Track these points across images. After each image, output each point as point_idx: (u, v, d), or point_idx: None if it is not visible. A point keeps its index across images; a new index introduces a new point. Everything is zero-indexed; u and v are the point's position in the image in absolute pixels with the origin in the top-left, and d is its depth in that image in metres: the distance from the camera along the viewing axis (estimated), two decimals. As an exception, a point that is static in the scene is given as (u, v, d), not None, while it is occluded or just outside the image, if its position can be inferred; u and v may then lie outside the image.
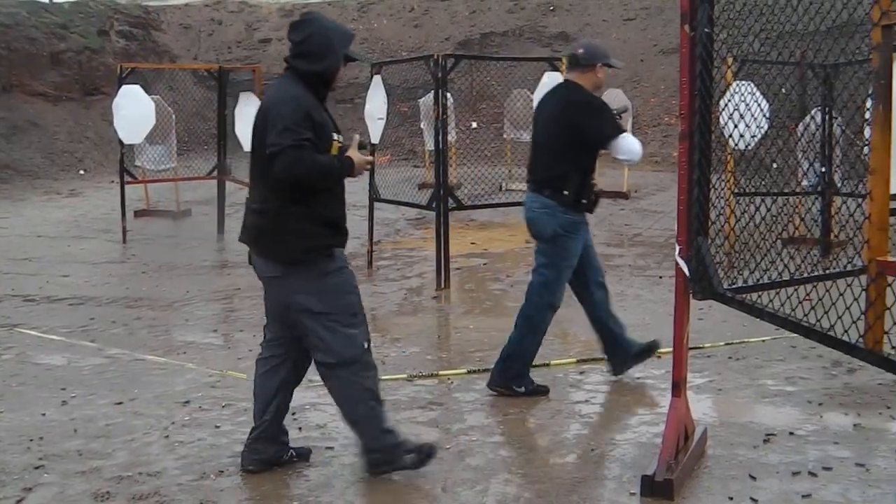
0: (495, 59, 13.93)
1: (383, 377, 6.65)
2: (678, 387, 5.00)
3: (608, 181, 16.96)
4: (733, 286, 4.84)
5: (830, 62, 10.43)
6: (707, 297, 4.84)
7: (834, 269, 5.48)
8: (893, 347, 3.74)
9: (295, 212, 4.70)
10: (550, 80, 9.99)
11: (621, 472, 5.03)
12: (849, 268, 4.74)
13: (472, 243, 12.85)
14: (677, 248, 4.87)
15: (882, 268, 3.59)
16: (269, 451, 5.10)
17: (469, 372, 6.83)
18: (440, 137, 9.76)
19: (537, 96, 10.11)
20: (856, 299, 3.92)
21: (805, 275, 5.05)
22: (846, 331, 3.87)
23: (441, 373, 6.85)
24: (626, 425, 5.80)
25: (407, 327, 8.37)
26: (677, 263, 4.88)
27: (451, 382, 6.66)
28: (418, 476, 4.96)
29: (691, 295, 4.89)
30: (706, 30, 4.61)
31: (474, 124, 18.86)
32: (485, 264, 11.46)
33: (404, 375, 6.74)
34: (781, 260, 4.84)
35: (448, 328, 8.59)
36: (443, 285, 9.89)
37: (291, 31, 4.82)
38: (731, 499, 4.68)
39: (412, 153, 20.05)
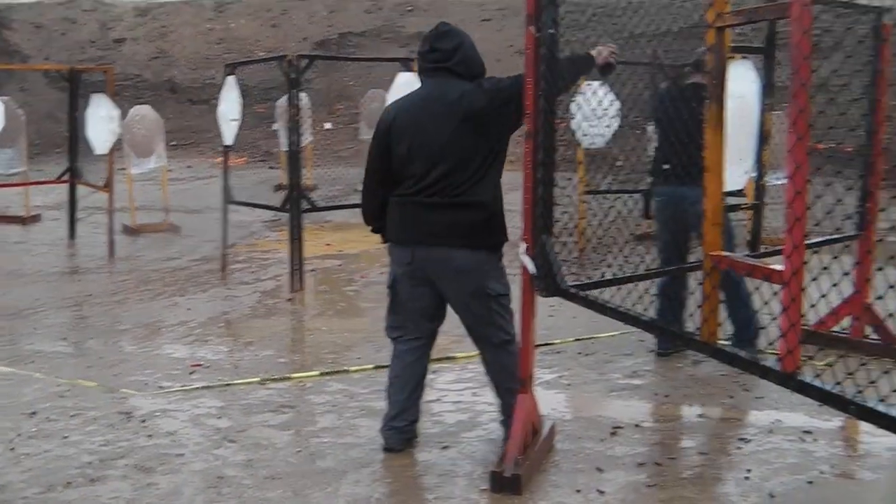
0: (348, 60, 13.90)
1: (235, 381, 6.63)
2: (525, 383, 5.07)
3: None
4: (578, 283, 4.94)
5: (679, 62, 10.66)
6: (551, 294, 4.93)
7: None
8: (727, 338, 3.87)
9: (498, 201, 5.10)
10: (404, 80, 10.00)
11: (472, 468, 5.09)
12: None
13: (328, 245, 12.82)
14: (522, 245, 4.95)
15: (716, 262, 3.71)
16: (413, 431, 5.45)
17: (322, 374, 6.81)
18: (293, 138, 9.71)
19: (391, 97, 10.13)
20: (692, 293, 4.05)
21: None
22: (684, 324, 4.00)
23: (294, 375, 6.81)
24: (476, 422, 5.86)
25: (260, 330, 8.31)
26: (523, 261, 4.95)
27: (304, 385, 6.64)
28: (270, 480, 4.95)
29: (537, 292, 4.97)
30: (550, 31, 4.70)
31: (328, 125, 18.79)
32: (339, 265, 11.45)
33: (257, 379, 6.69)
34: (625, 257, 4.95)
35: (302, 330, 8.54)
36: (297, 287, 9.85)
37: (439, 40, 5.12)
38: (579, 491, 4.77)
39: (269, 154, 19.90)
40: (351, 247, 12.59)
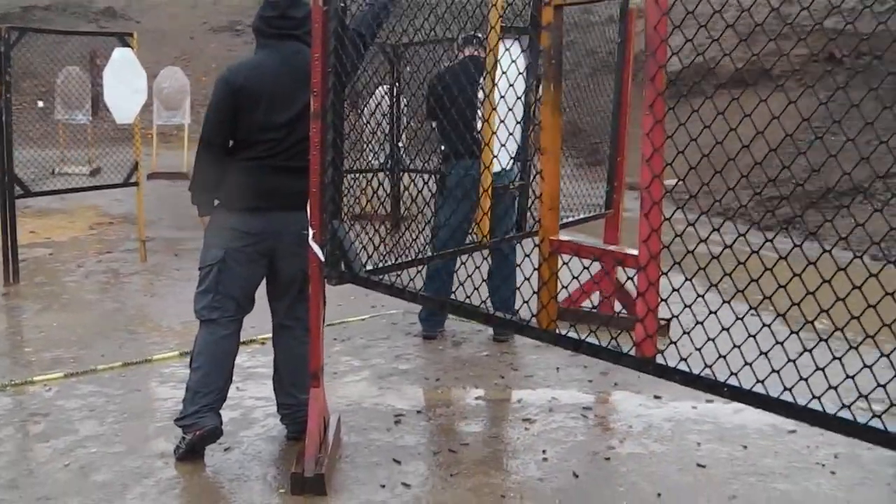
0: (64, 33, 12.93)
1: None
2: (316, 377, 4.78)
3: (168, 162, 16.58)
4: (376, 268, 4.66)
5: (398, 42, 10.65)
6: (345, 282, 4.64)
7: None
8: (559, 327, 3.72)
9: None
10: (122, 55, 9.42)
11: (263, 470, 4.77)
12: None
13: (32, 232, 11.93)
14: (311, 232, 4.62)
15: (555, 247, 3.56)
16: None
17: (66, 375, 6.24)
18: (4, 118, 8.91)
19: (108, 73, 9.52)
20: (527, 279, 3.84)
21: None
22: (518, 311, 3.82)
23: (37, 379, 6.17)
24: (251, 419, 5.52)
25: (-18, 330, 7.57)
26: (311, 248, 4.62)
27: (50, 389, 6.04)
28: (44, 502, 4.43)
29: (328, 280, 4.68)
30: (341, 4, 4.41)
31: (40, 103, 17.60)
32: (51, 254, 10.68)
33: (-5, 385, 6.06)
34: (379, 237, 4.76)
35: (30, 328, 7.72)
36: (12, 280, 9.09)
37: (291, 8, 4.92)
38: (384, 486, 4.56)
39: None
40: (59, 234, 11.76)
